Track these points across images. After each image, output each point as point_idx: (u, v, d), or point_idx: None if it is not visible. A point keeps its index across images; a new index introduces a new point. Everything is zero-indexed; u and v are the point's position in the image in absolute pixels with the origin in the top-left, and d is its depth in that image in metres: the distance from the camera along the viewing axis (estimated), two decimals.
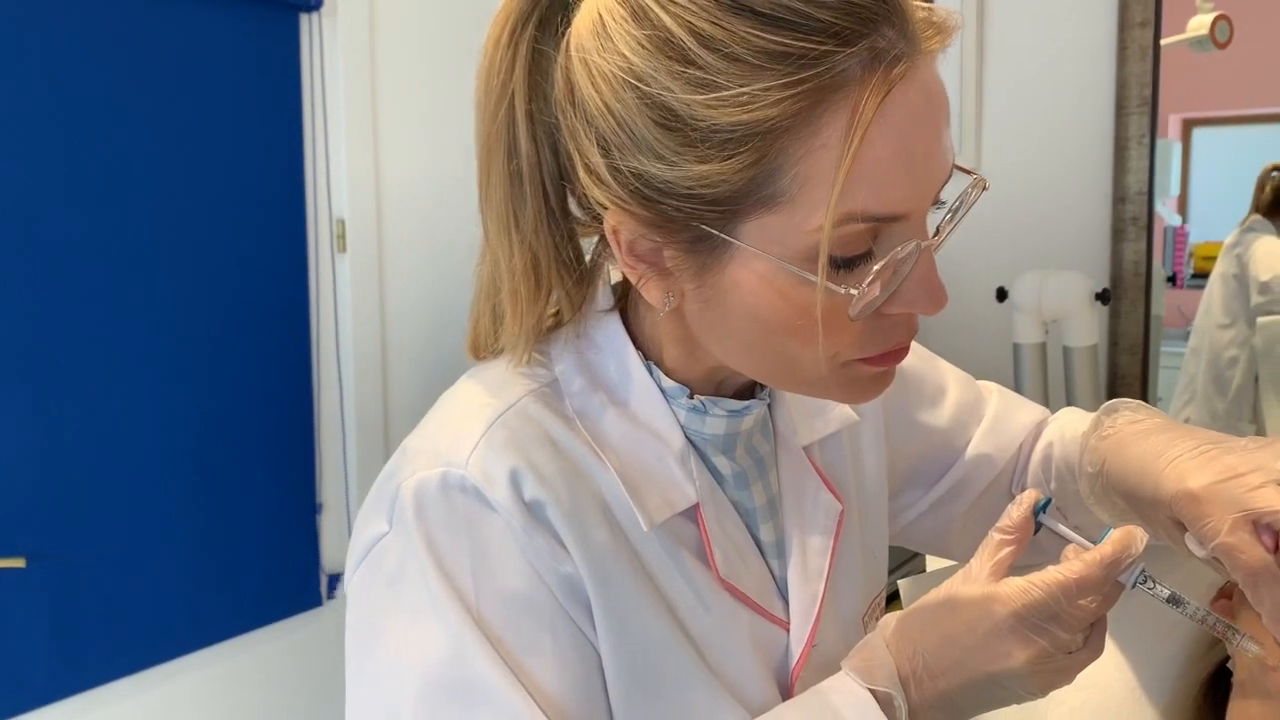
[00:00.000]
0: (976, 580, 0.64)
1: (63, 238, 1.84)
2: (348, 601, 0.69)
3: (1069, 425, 0.88)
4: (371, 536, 0.67)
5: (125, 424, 1.94)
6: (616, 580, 0.66)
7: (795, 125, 0.55)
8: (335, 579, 2.34)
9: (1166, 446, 0.70)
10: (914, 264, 0.60)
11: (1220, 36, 2.10)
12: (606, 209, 0.61)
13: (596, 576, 0.65)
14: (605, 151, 0.59)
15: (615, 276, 0.73)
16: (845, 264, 0.58)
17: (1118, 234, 2.09)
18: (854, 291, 0.58)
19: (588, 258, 0.70)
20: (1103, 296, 2.02)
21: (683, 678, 0.68)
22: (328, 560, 2.32)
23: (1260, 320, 2.11)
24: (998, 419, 0.92)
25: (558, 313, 0.71)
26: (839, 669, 0.68)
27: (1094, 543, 0.63)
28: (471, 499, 0.64)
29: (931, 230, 0.62)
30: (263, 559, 2.18)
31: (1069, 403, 2.01)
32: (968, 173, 0.64)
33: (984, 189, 0.63)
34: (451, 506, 0.64)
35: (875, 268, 0.58)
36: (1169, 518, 0.68)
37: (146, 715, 2.04)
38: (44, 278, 1.82)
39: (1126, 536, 0.63)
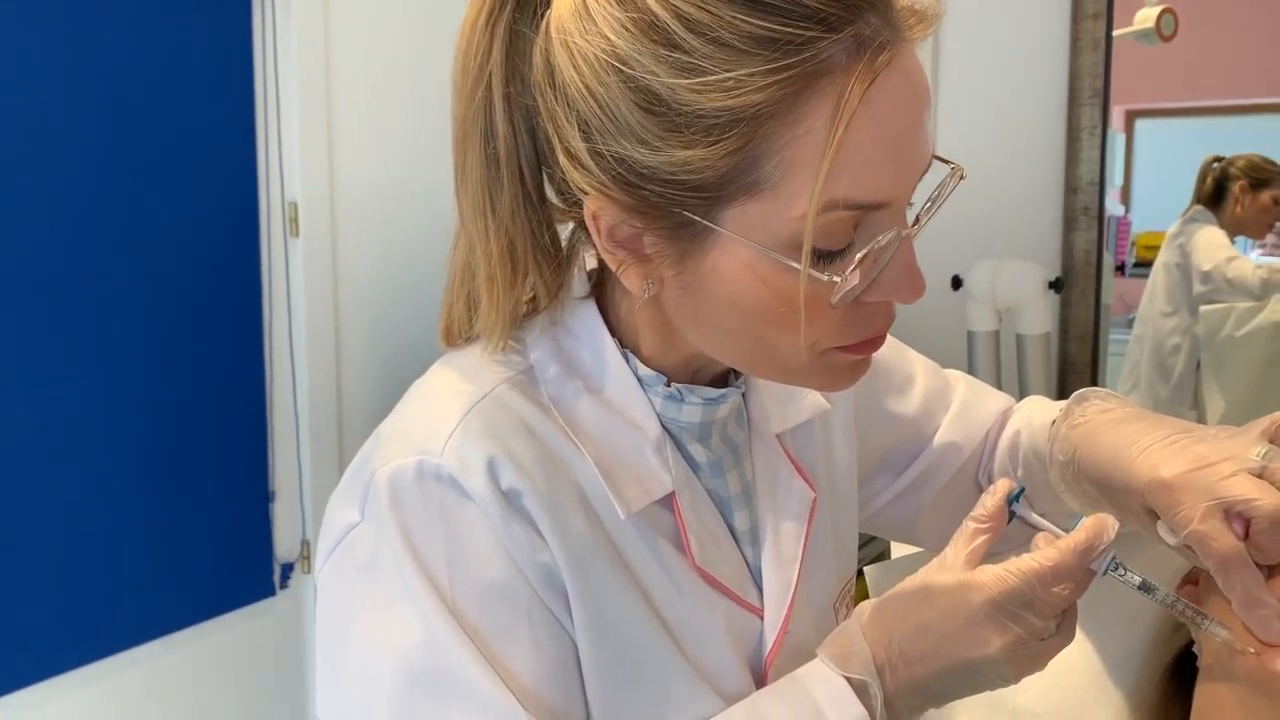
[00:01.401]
0: (952, 568, 0.65)
1: (6, 222, 1.79)
2: (318, 592, 0.68)
3: (1036, 414, 0.89)
4: (343, 526, 0.66)
5: (73, 411, 1.90)
6: (594, 569, 0.66)
7: (780, 111, 0.54)
8: (288, 568, 2.31)
9: (1139, 435, 0.70)
10: (894, 252, 0.60)
11: (1166, 29, 2.13)
12: (587, 194, 0.61)
13: (574, 565, 0.65)
14: (586, 135, 0.59)
15: (591, 263, 0.73)
16: (827, 252, 0.58)
17: (1069, 223, 2.12)
18: (836, 279, 0.58)
19: (564, 243, 0.70)
20: (1055, 285, 2.04)
21: (659, 666, 0.68)
22: (281, 549, 2.29)
23: (1202, 309, 2.15)
24: (965, 407, 0.93)
25: (533, 299, 0.71)
26: (812, 655, 0.69)
27: (1065, 531, 0.64)
28: (447, 488, 0.63)
29: (910, 220, 0.62)
30: (215, 548, 2.15)
31: (1022, 390, 2.03)
32: (946, 162, 0.64)
33: (962, 178, 0.64)
34: (427, 495, 0.63)
35: (857, 256, 0.58)
36: (1141, 506, 0.69)
37: (97, 708, 2.00)
38: None
39: (1099, 524, 0.63)
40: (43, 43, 1.81)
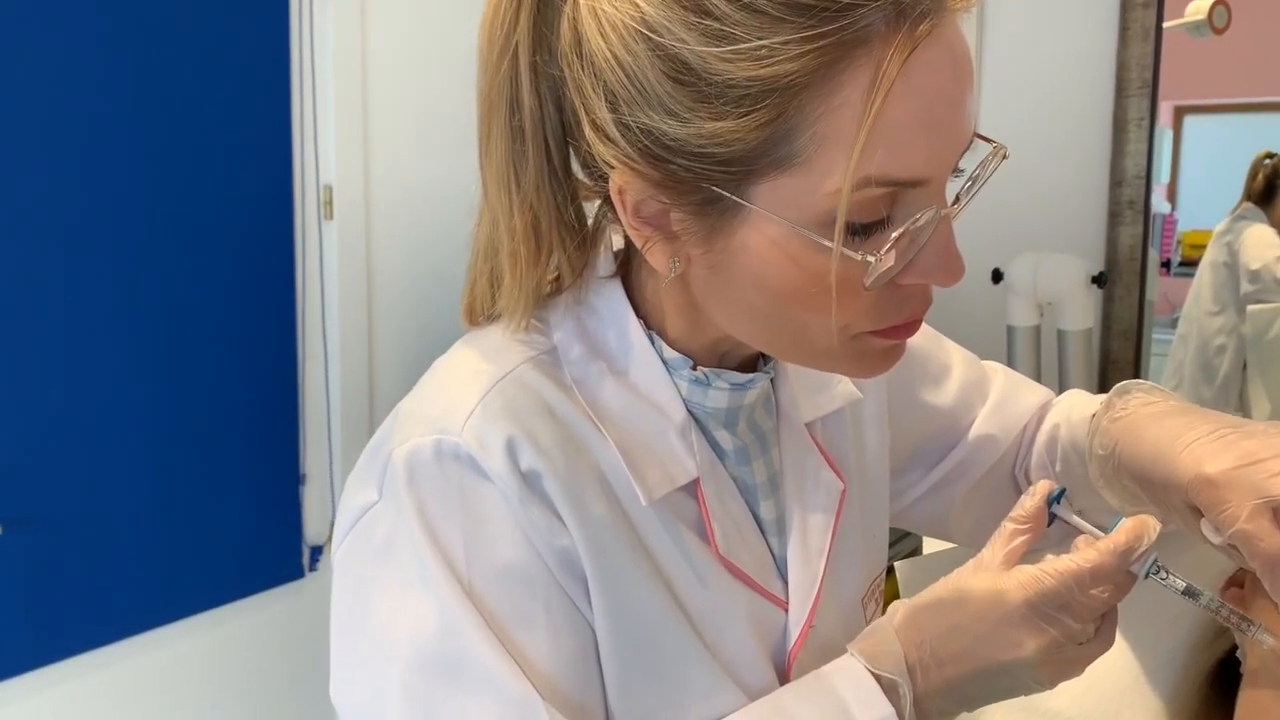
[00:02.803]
0: (988, 569, 0.63)
1: (42, 203, 1.80)
2: (334, 572, 0.67)
3: (1075, 407, 0.86)
4: (361, 505, 0.65)
5: (106, 391, 1.91)
6: (614, 555, 0.64)
7: (815, 82, 0.52)
8: (318, 551, 2.31)
9: (1183, 429, 0.68)
10: (932, 232, 0.57)
11: (1218, 22, 2.08)
12: (613, 168, 0.59)
13: (593, 550, 0.63)
14: (613, 106, 0.57)
15: (618, 243, 0.71)
16: (861, 230, 0.56)
17: (1114, 217, 2.08)
18: (870, 259, 0.56)
19: (590, 221, 0.68)
20: (1098, 280, 2.01)
21: (679, 656, 0.66)
22: (310, 532, 2.29)
23: (1250, 308, 2.11)
24: (1002, 399, 0.90)
25: (557, 278, 0.69)
26: (837, 651, 0.67)
27: (1105, 531, 0.62)
28: (466, 468, 0.62)
29: (949, 200, 0.59)
30: (244, 530, 2.15)
31: (1062, 387, 1.99)
32: (988, 141, 0.61)
33: (1004, 158, 0.61)
34: (445, 475, 0.62)
35: (893, 235, 0.55)
36: (1184, 503, 0.66)
37: (124, 687, 2.01)
38: (21, 243, 1.78)
39: (1140, 525, 0.61)
40: (76, 23, 1.82)
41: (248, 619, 2.19)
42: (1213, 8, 2.07)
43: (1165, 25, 2.04)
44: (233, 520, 2.13)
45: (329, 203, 2.22)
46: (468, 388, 0.64)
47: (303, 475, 2.26)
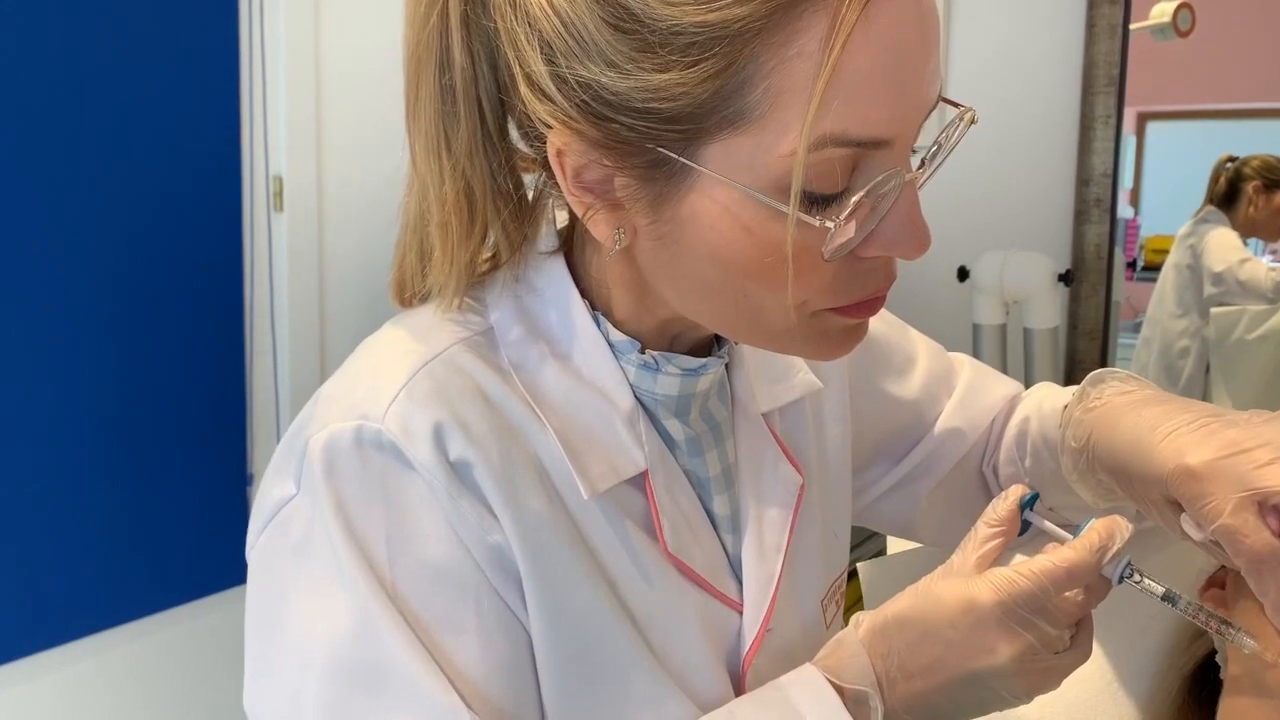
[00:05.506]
0: (960, 573, 0.59)
1: None
2: (249, 572, 0.62)
3: (1046, 399, 0.82)
4: (277, 499, 0.60)
5: (46, 387, 1.86)
6: (552, 553, 0.59)
7: (768, 28, 0.48)
8: None
9: (1162, 419, 0.64)
10: (896, 199, 0.53)
11: (1183, 25, 2.07)
12: (550, 128, 0.54)
13: (529, 548, 0.58)
14: (550, 59, 0.52)
15: (562, 219, 0.66)
16: (820, 197, 0.52)
17: (1080, 216, 2.06)
18: (829, 225, 0.51)
19: (531, 192, 0.63)
20: (1065, 278, 1.99)
21: (622, 662, 0.61)
22: None
23: (1213, 311, 2.10)
24: (970, 392, 0.86)
25: (495, 255, 0.64)
26: (795, 656, 0.63)
27: (1075, 534, 0.59)
28: (388, 457, 0.57)
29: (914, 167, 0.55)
30: (190, 532, 2.10)
31: (1028, 385, 1.97)
32: (954, 105, 0.57)
33: (973, 122, 0.57)
34: (366, 465, 0.57)
35: (853, 199, 0.51)
36: (1163, 497, 0.63)
37: (65, 693, 1.96)
38: None
39: (1111, 524, 0.58)
40: (23, 8, 1.76)
41: (193, 624, 2.14)
42: (1177, 10, 2.06)
43: (1131, 27, 2.02)
44: (178, 522, 2.08)
45: (279, 194, 2.17)
46: (393, 370, 0.60)
47: (250, 476, 2.21)
